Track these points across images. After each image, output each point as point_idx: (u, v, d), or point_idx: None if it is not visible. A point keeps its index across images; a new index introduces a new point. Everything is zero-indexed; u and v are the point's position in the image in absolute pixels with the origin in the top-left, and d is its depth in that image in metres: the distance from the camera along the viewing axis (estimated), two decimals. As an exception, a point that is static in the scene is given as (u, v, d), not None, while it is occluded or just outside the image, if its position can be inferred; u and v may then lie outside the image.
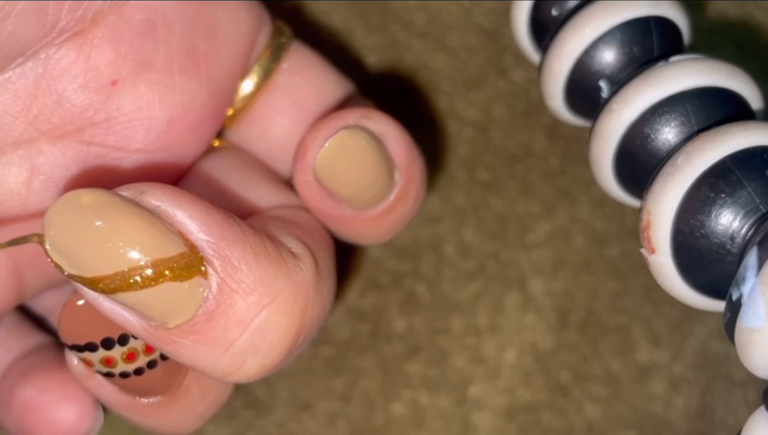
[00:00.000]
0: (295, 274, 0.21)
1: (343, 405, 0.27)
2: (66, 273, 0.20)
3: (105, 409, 0.25)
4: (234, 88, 0.25)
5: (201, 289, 0.20)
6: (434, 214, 0.28)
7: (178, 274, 0.20)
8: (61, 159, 0.22)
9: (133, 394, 0.23)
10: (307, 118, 0.25)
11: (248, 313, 0.20)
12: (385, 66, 0.29)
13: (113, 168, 0.23)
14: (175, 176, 0.24)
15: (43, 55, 0.22)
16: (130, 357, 0.22)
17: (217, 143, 0.26)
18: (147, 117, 0.23)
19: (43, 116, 0.22)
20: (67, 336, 0.22)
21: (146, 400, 0.23)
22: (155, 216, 0.20)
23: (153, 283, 0.20)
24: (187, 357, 0.21)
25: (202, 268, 0.20)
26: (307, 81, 0.25)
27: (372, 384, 0.27)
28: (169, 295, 0.20)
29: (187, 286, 0.20)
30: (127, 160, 0.23)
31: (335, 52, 0.29)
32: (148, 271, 0.19)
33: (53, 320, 0.26)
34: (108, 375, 0.23)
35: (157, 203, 0.20)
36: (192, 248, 0.20)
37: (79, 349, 0.22)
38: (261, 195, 0.24)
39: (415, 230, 0.28)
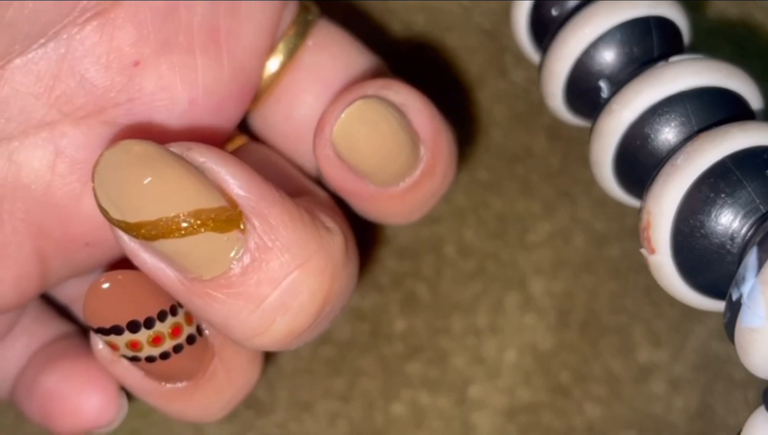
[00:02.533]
0: (327, 242, 0.22)
1: (343, 405, 0.27)
2: (111, 217, 0.20)
3: (130, 396, 0.25)
4: (259, 68, 0.24)
5: (238, 243, 0.21)
6: (434, 214, 0.28)
7: (219, 225, 0.20)
8: (84, 140, 0.22)
9: (159, 380, 0.23)
10: (333, 96, 0.25)
11: (281, 271, 0.21)
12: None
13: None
14: None
15: (65, 36, 0.22)
16: (156, 341, 0.22)
17: (242, 141, 0.25)
18: (168, 97, 0.23)
19: (66, 97, 0.22)
20: (93, 319, 0.22)
21: (172, 386, 0.23)
22: (199, 171, 0.20)
23: (194, 231, 0.20)
24: (219, 312, 0.21)
25: (241, 225, 0.21)
26: (333, 58, 0.25)
27: (372, 384, 0.27)
28: (207, 245, 0.20)
29: (225, 238, 0.20)
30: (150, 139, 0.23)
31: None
32: (190, 220, 0.20)
33: (76, 309, 0.26)
34: (134, 359, 0.23)
35: (202, 159, 0.21)
36: (232, 204, 0.21)
37: (104, 332, 0.22)
38: (287, 189, 0.24)
39: (415, 230, 0.28)
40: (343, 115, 0.22)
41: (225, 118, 0.24)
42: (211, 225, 0.20)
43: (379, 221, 0.25)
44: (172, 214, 0.20)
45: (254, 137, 0.26)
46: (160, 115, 0.23)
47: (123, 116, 0.22)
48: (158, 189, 0.20)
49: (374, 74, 0.25)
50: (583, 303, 0.27)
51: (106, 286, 0.22)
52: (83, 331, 0.26)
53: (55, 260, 0.23)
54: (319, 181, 0.25)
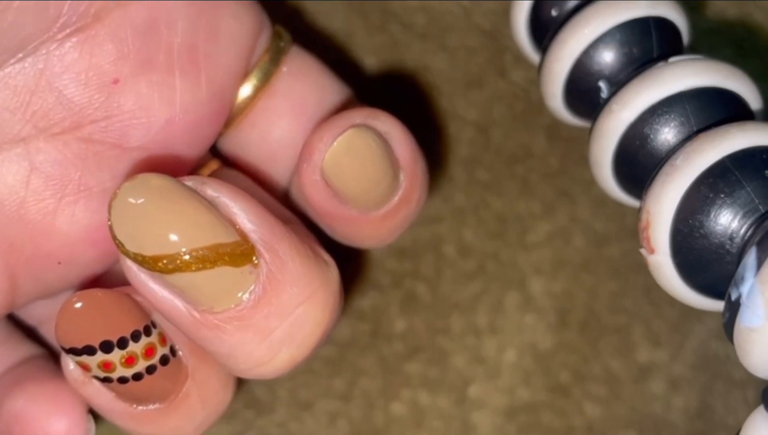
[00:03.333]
0: (328, 275, 0.22)
1: (343, 405, 0.27)
2: (126, 250, 0.20)
3: (98, 419, 0.24)
4: (235, 90, 0.25)
5: (251, 277, 0.21)
6: (434, 214, 0.28)
7: (234, 260, 0.21)
8: (60, 156, 0.22)
9: (131, 401, 0.23)
10: (307, 121, 0.25)
11: (290, 304, 0.21)
12: (385, 67, 0.29)
13: (113, 164, 0.23)
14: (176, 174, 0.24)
15: (44, 51, 0.22)
16: (129, 361, 0.22)
17: (215, 165, 0.26)
18: (146, 116, 0.23)
19: (42, 113, 0.22)
20: (64, 339, 0.22)
21: (144, 408, 0.23)
22: (213, 206, 0.21)
23: (210, 265, 0.20)
24: (227, 344, 0.21)
25: (254, 259, 0.21)
26: (306, 85, 0.25)
27: (372, 384, 0.27)
28: (221, 278, 0.21)
29: (239, 272, 0.21)
30: (126, 157, 0.23)
31: (335, 52, 0.29)
32: (208, 254, 0.20)
33: (45, 331, 0.26)
34: (106, 380, 0.22)
35: (216, 194, 0.21)
36: (244, 238, 0.21)
37: (76, 352, 0.22)
38: None
39: (415, 230, 0.28)
40: (335, 143, 0.23)
41: (200, 138, 0.24)
42: (227, 259, 0.21)
43: (354, 244, 0.26)
44: (190, 248, 0.20)
45: (223, 160, 0.26)
46: (136, 133, 0.23)
47: (99, 133, 0.22)
48: (177, 223, 0.20)
49: (345, 102, 0.26)
50: (582, 303, 0.28)
51: (78, 305, 0.21)
52: (51, 354, 0.25)
53: (24, 279, 0.23)
54: (286, 202, 0.26)
